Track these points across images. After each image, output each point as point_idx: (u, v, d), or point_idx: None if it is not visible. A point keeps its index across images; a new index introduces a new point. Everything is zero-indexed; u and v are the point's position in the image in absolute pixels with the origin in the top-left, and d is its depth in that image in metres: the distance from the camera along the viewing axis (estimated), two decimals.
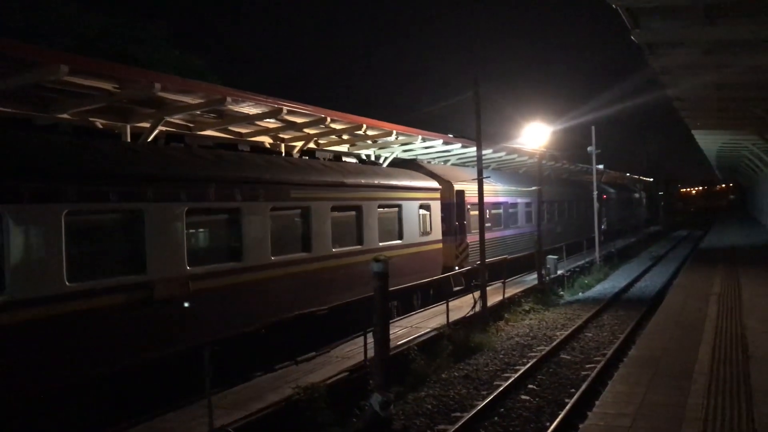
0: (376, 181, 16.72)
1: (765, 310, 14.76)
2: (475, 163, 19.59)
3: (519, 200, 27.77)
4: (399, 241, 17.44)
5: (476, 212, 20.95)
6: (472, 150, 22.27)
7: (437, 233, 19.74)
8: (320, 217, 14.33)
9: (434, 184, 20.07)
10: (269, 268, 12.65)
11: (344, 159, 17.54)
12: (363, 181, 16.11)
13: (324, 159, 16.92)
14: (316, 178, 14.57)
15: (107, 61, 14.23)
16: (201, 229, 11.78)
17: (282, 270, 13.01)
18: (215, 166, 11.88)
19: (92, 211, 9.40)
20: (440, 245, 19.94)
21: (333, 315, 14.17)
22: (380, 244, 16.40)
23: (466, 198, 22.24)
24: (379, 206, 16.57)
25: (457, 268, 21.28)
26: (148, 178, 10.23)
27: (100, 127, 13.09)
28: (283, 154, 17.61)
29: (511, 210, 27.18)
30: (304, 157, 16.92)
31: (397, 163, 21.87)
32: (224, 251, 12.01)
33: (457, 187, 22.00)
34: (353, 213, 15.69)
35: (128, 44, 29.14)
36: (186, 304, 10.39)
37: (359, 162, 18.24)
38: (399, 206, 17.63)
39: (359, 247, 15.61)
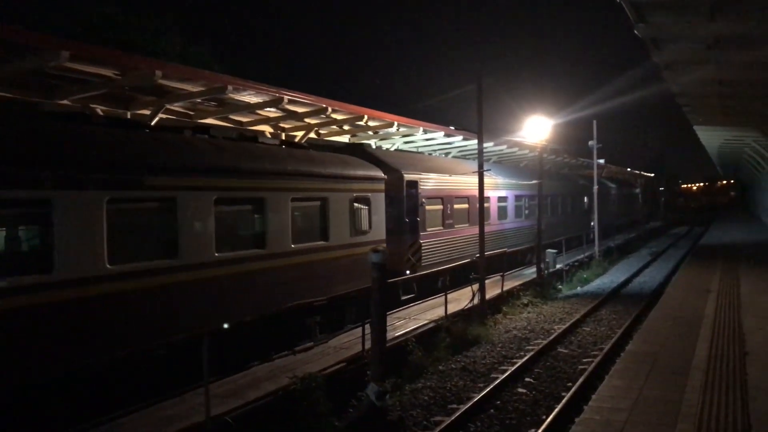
0: (289, 168, 13.13)
1: (763, 308, 14.78)
2: (476, 156, 19.56)
3: (519, 193, 27.58)
4: (323, 242, 14.05)
5: (433, 207, 19.97)
6: (473, 143, 22.26)
7: (380, 232, 16.17)
8: (194, 213, 10.74)
9: (376, 172, 16.35)
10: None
11: (260, 139, 14.31)
12: (268, 167, 12.59)
13: (219, 137, 13.06)
14: (190, 160, 10.93)
15: (108, 48, 14.20)
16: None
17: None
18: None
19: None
20: (384, 246, 15.72)
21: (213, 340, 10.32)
22: (293, 246, 12.95)
23: (420, 190, 19.13)
24: (294, 199, 13.08)
25: (408, 272, 18.26)
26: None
27: (101, 113, 13.08)
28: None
29: (510, 203, 26.95)
30: (196, 134, 12.53)
31: (339, 148, 18.51)
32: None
33: (408, 177, 18.61)
34: (251, 208, 12.30)
35: (133, 33, 29.13)
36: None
37: (281, 144, 14.96)
38: (324, 199, 14.17)
39: (260, 251, 12.16)
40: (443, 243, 20.45)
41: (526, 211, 27.94)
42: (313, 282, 13.41)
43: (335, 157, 15.79)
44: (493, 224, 24.62)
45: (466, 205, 22.43)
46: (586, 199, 38.35)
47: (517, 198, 27.56)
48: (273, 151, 13.45)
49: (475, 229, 21.46)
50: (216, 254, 11.02)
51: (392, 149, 23.28)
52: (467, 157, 26.87)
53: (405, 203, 18.44)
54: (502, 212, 25.94)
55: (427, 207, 19.55)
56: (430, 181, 19.74)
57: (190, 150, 11.12)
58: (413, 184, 18.88)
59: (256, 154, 12.67)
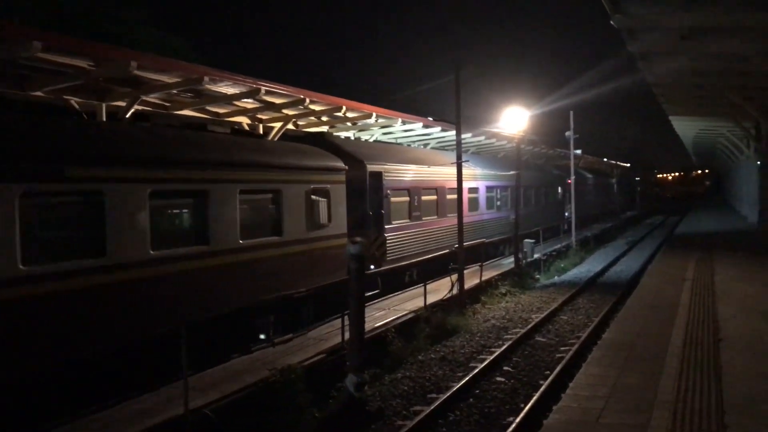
0: (237, 158, 12.40)
1: (737, 296, 15.01)
2: (455, 147, 19.59)
3: (496, 184, 27.64)
4: (277, 238, 13.26)
5: (399, 199, 19.17)
6: (451, 134, 22.27)
7: (341, 226, 15.45)
8: (125, 207, 9.85)
9: (336, 163, 15.61)
10: None
11: (210, 128, 14.07)
12: (213, 156, 11.77)
13: (162, 125, 12.85)
14: (121, 149, 10.17)
15: (82, 38, 13.99)
16: None
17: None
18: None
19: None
20: (345, 240, 15.11)
21: (154, 347, 10.31)
22: (242, 242, 12.16)
23: (385, 181, 18.34)
24: (243, 191, 12.24)
25: (372, 267, 17.29)
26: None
27: (75, 106, 12.90)
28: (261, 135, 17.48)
29: (489, 194, 27.01)
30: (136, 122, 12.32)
31: (299, 137, 17.80)
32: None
33: (371, 168, 17.83)
34: (192, 201, 11.37)
35: (109, 24, 28.73)
36: None
37: (234, 133, 14.68)
38: (277, 192, 13.36)
39: (203, 248, 11.30)
40: (410, 236, 19.80)
41: (498, 203, 27.87)
42: (265, 280, 12.67)
43: (291, 147, 15.09)
44: (467, 216, 24.13)
45: (434, 197, 21.72)
46: (560, 189, 38.41)
47: (494, 189, 27.54)
48: (220, 140, 12.73)
49: (445, 222, 21.79)
50: (151, 252, 10.17)
51: (371, 140, 23.23)
52: (446, 148, 26.90)
53: (368, 195, 17.63)
54: (476, 203, 25.81)
55: (393, 199, 18.78)
56: (395, 173, 19.04)
57: (121, 139, 10.38)
58: (377, 176, 18.12)
59: (200, 143, 11.96)
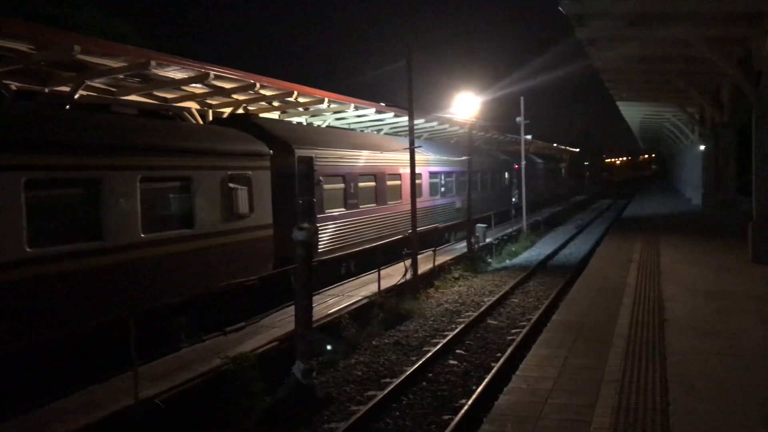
0: (138, 141, 11.13)
1: (681, 277, 15.43)
2: (408, 133, 19.61)
3: (447, 170, 27.70)
4: (188, 231, 12.06)
5: (333, 186, 18.07)
6: (404, 120, 22.28)
7: (265, 216, 14.40)
8: None
9: (259, 147, 14.50)
10: None
11: (113, 108, 13.02)
12: (107, 140, 10.53)
13: (48, 105, 11.94)
14: None
15: (22, 20, 13.55)
16: None
17: None
18: None
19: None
20: (270, 232, 14.58)
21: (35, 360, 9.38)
22: (144, 236, 10.95)
23: (317, 167, 16.99)
24: (144, 179, 11.03)
25: None
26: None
27: (14, 89, 12.51)
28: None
29: (441, 179, 27.07)
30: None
31: (222, 120, 17.19)
32: None
33: (301, 152, 16.37)
34: (82, 191, 10.16)
35: (50, 6, 27.87)
36: None
37: (141, 114, 13.39)
38: (186, 179, 12.14)
39: (95, 243, 10.11)
40: (345, 226, 18.63)
41: (443, 189, 27.74)
42: (173, 278, 11.60)
43: (205, 130, 14.04)
44: (426, 200, 24.26)
45: (373, 183, 20.67)
46: (507, 175, 38.42)
47: (443, 174, 27.50)
48: (119, 122, 11.45)
49: (385, 210, 21.30)
50: (28, 250, 8.94)
51: (323, 126, 23.10)
52: (399, 134, 26.92)
53: (297, 182, 16.21)
54: (426, 189, 25.54)
55: (326, 186, 17.54)
56: (329, 158, 17.76)
57: None
58: (307, 161, 16.67)
59: (92, 125, 10.69)
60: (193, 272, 12.04)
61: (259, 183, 14.22)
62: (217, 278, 12.45)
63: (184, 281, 11.77)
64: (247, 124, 15.75)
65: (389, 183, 21.59)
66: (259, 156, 14.44)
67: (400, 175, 22.32)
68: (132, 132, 11.33)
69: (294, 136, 16.78)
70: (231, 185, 13.22)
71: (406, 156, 19.27)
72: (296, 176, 16.16)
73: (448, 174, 27.93)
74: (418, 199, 24.22)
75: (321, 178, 17.16)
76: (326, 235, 17.44)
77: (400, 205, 21.96)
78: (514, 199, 37.21)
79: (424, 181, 25.42)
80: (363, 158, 20.11)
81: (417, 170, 24.29)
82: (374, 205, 20.55)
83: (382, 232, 20.58)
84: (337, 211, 18.24)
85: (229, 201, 13.16)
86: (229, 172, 13.21)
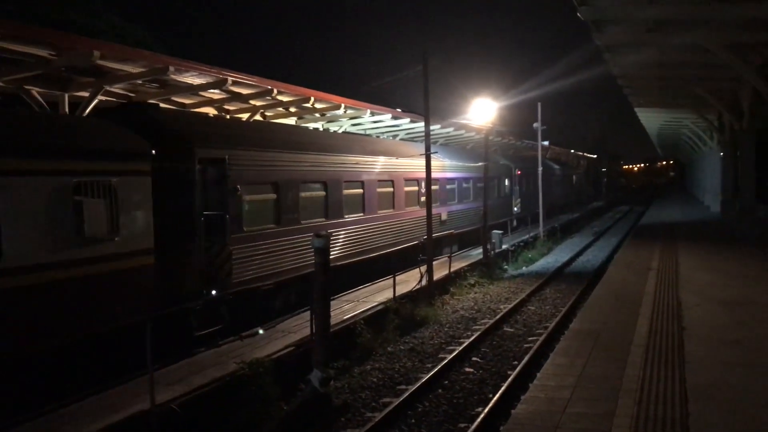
0: None
1: (700, 285, 15.26)
2: (424, 138, 19.58)
3: (466, 176, 27.40)
4: None
5: (260, 196, 14.09)
6: (420, 125, 22.26)
7: (139, 237, 10.71)
8: None
9: (128, 144, 10.88)
10: None
11: None
12: None
13: None
14: None
15: (43, 27, 13.70)
16: None
17: None
18: None
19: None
20: (150, 260, 10.91)
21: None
22: None
23: (233, 172, 13.01)
24: None
25: (214, 292, 12.39)
26: None
27: (36, 96, 12.63)
28: None
29: (457, 186, 26.72)
30: None
31: (105, 109, 13.37)
32: None
33: (204, 152, 12.40)
34: None
35: (70, 11, 28.16)
36: None
37: None
38: None
39: None
40: (276, 247, 14.44)
41: (472, 193, 27.49)
42: None
43: (36, 119, 10.84)
44: (403, 211, 20.98)
45: (322, 193, 16.53)
46: (507, 181, 34.21)
47: (464, 180, 27.13)
48: None
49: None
50: None
51: (339, 131, 23.13)
52: (415, 139, 26.86)
53: (198, 192, 12.25)
54: (446, 195, 25.11)
55: (248, 197, 13.57)
56: (253, 161, 13.82)
57: None
58: (217, 163, 12.73)
59: None
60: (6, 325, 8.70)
61: (131, 193, 10.62)
62: (40, 335, 9.13)
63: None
64: (136, 115, 12.12)
65: (348, 192, 17.86)
66: (131, 156, 10.75)
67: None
68: None
69: (197, 131, 12.84)
70: (77, 198, 9.77)
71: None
72: (196, 183, 12.21)
73: (468, 180, 27.39)
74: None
75: (240, 186, 13.22)
76: (246, 258, 13.41)
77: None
78: (515, 209, 34.02)
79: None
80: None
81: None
82: (323, 219, 16.48)
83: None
84: (265, 229, 14.19)
85: (74, 219, 9.72)
86: (75, 179, 9.74)
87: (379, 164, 19.65)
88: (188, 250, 11.45)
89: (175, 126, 12.63)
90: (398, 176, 20.78)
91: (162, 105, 13.45)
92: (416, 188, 22.08)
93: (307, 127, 21.40)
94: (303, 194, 15.60)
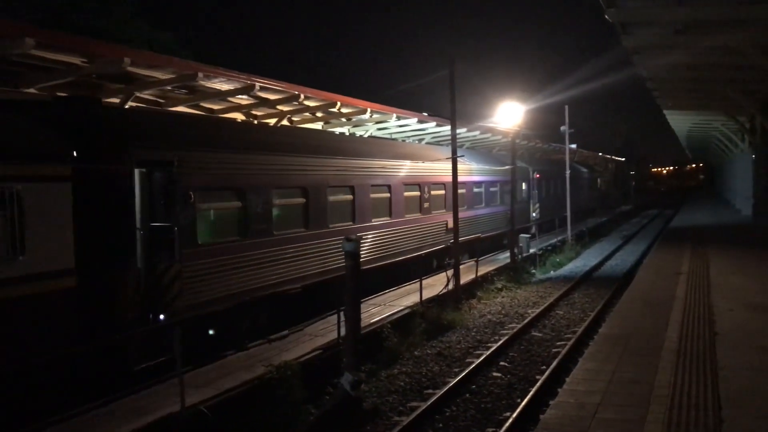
0: None
1: (732, 289, 15.03)
2: (450, 141, 19.54)
3: (492, 179, 27.15)
4: None
5: (219, 204, 12.16)
6: (446, 129, 22.23)
7: (51, 256, 8.93)
8: None
9: (43, 143, 9.21)
10: None
11: None
12: None
13: None
14: None
15: (75, 34, 13.95)
16: None
17: None
18: None
19: None
20: (71, 283, 9.14)
21: None
22: None
23: (186, 177, 11.11)
24: None
25: (162, 317, 10.63)
26: None
27: None
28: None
29: (484, 189, 26.51)
30: None
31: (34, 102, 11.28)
32: None
33: (146, 154, 10.60)
34: None
35: (100, 19, 28.63)
36: None
37: None
38: None
39: None
40: (239, 262, 12.33)
41: (499, 197, 27.24)
42: None
43: None
44: (401, 219, 18.91)
45: (302, 200, 14.35)
46: (524, 186, 31.66)
47: (491, 184, 26.82)
48: None
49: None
50: None
51: (365, 135, 23.17)
52: (441, 143, 26.80)
53: (139, 200, 10.61)
54: (472, 199, 24.79)
55: (203, 205, 11.67)
56: (211, 164, 11.80)
57: None
58: (164, 167, 10.86)
59: None
60: None
61: (42, 203, 8.87)
62: None
63: None
64: (67, 110, 10.34)
65: (484, 190, 16.28)
66: (43, 158, 9.03)
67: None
68: None
69: (136, 129, 10.97)
70: None
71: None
72: (136, 190, 10.50)
73: (489, 183, 26.81)
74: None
75: (194, 193, 11.28)
76: (201, 278, 11.39)
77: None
78: (534, 215, 31.73)
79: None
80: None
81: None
82: (302, 230, 14.35)
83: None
84: (225, 243, 12.19)
85: None
86: None
87: (382, 168, 17.88)
88: (123, 269, 9.68)
89: (109, 123, 10.66)
90: (399, 182, 18.78)
91: (109, 100, 12.53)
92: (442, 192, 21.49)
93: (294, 127, 19.55)
94: (278, 201, 13.56)
